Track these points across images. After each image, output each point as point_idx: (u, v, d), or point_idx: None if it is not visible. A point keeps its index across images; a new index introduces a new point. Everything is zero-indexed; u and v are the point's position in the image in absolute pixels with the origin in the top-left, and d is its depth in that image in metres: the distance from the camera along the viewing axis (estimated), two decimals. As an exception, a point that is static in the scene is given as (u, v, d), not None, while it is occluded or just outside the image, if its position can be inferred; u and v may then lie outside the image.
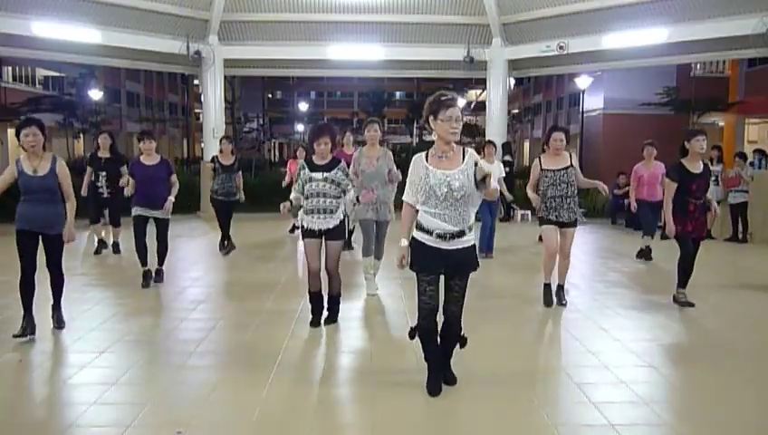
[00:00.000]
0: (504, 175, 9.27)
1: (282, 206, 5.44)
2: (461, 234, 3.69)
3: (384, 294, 6.54)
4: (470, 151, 3.78)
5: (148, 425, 3.47)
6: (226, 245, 8.93)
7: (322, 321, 5.38)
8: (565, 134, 6.04)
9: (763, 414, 3.77)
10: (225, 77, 15.57)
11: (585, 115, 21.89)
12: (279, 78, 46.44)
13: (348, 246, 8.84)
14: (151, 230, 6.92)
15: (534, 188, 6.15)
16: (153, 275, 6.93)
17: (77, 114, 26.57)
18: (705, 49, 13.15)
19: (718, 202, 7.64)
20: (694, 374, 4.40)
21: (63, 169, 4.98)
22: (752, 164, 11.30)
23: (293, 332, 5.21)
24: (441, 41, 14.72)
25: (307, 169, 5.22)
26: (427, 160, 3.74)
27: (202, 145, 19.85)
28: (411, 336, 3.90)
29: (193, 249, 9.91)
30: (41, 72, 29.89)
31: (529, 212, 13.41)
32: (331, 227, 5.17)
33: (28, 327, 4.90)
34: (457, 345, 3.96)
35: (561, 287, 6.17)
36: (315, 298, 5.36)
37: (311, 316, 5.38)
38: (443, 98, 3.70)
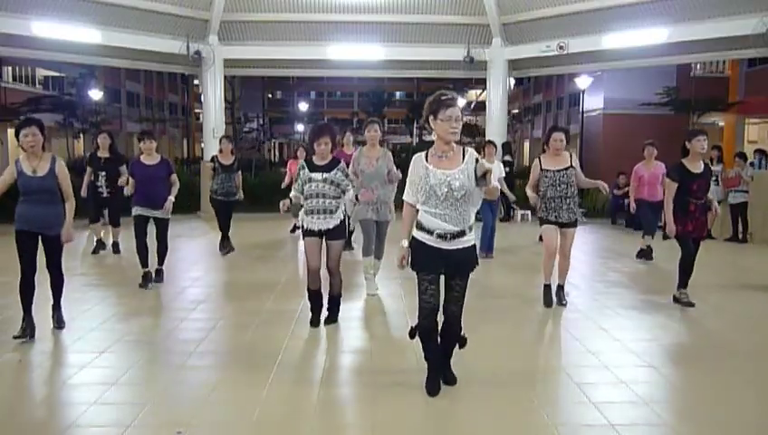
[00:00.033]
0: (504, 175, 9.27)
1: (281, 203, 5.45)
2: (461, 234, 3.69)
3: (384, 294, 6.54)
4: (470, 151, 3.78)
5: (148, 425, 3.47)
6: (225, 246, 8.93)
7: (323, 321, 5.37)
8: (565, 134, 6.03)
9: (763, 414, 3.77)
10: (225, 77, 15.58)
11: (585, 115, 21.88)
12: (279, 78, 46.44)
13: (348, 245, 8.84)
14: (151, 230, 6.91)
15: (534, 188, 6.14)
16: (153, 276, 6.92)
17: (77, 114, 26.56)
18: (705, 49, 13.15)
19: (718, 202, 7.64)
20: (694, 374, 4.40)
21: (63, 169, 4.97)
22: (752, 164, 11.30)
23: (293, 332, 5.21)
24: (441, 41, 14.72)
25: (307, 170, 5.22)
26: (426, 160, 3.73)
27: (202, 145, 19.85)
28: (411, 336, 3.90)
29: (193, 249, 9.91)
30: (41, 72, 29.88)
31: (529, 212, 13.42)
32: (331, 227, 5.17)
33: (28, 328, 4.89)
34: (456, 345, 3.96)
35: (561, 287, 6.17)
36: (314, 296, 5.36)
37: (310, 314, 5.37)
38: (443, 97, 3.70)
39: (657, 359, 4.63)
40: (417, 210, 3.77)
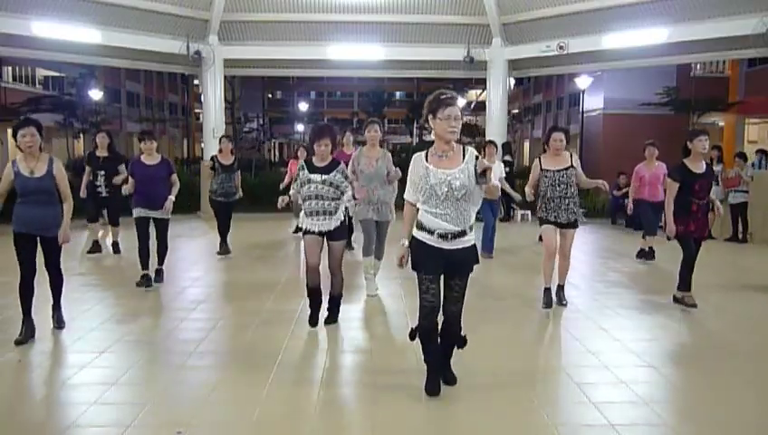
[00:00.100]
0: (504, 175, 9.27)
1: (280, 199, 5.46)
2: (462, 234, 3.68)
3: (384, 294, 6.53)
4: (470, 150, 3.77)
5: (148, 425, 3.47)
6: (222, 248, 8.91)
7: (323, 321, 5.36)
8: (565, 134, 6.03)
9: (763, 415, 3.77)
10: (225, 77, 15.57)
11: (585, 115, 21.88)
12: (279, 78, 46.44)
13: (348, 246, 8.84)
14: (151, 230, 6.91)
15: (534, 188, 6.14)
16: (152, 279, 6.89)
17: (77, 114, 26.52)
18: (705, 49, 13.14)
19: (720, 202, 7.63)
20: (694, 374, 4.40)
21: (60, 170, 4.95)
22: (753, 165, 11.30)
23: (293, 332, 5.21)
24: (441, 41, 14.72)
25: (306, 171, 5.20)
26: (427, 160, 3.73)
27: (202, 145, 19.84)
28: (412, 338, 3.89)
29: (193, 249, 9.91)
30: (41, 72, 29.86)
31: (529, 212, 13.43)
32: (332, 228, 5.16)
33: (28, 331, 4.88)
34: (456, 345, 3.96)
35: (561, 287, 6.17)
36: (313, 293, 5.32)
37: (309, 311, 5.35)
38: (442, 96, 3.70)
39: (657, 359, 4.63)
40: (418, 209, 3.76)
